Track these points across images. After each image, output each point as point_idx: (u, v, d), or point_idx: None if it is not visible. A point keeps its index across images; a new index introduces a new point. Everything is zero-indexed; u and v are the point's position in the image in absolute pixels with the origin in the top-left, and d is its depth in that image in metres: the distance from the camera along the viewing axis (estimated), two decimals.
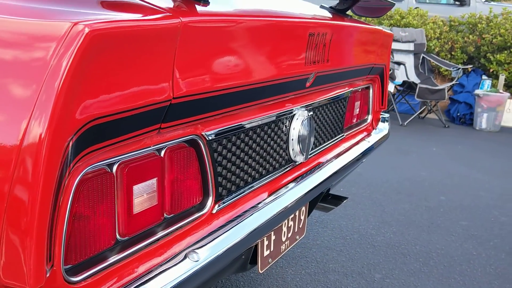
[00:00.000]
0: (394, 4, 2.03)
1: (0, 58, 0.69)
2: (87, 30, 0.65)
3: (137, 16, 0.78)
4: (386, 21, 7.54)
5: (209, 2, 0.99)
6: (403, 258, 2.51)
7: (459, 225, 2.98)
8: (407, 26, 7.30)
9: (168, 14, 0.83)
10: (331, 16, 1.66)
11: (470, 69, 6.81)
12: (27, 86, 0.66)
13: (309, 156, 1.53)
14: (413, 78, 6.40)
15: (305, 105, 1.48)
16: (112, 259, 0.84)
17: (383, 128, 2.24)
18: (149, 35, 0.77)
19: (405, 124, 5.90)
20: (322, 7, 1.78)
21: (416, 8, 8.10)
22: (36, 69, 0.66)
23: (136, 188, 0.88)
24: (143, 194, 0.90)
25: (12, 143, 0.66)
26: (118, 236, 0.87)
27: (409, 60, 6.59)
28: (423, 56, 6.76)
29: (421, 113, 6.40)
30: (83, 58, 0.66)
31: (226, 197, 1.14)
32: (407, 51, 6.69)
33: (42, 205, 0.67)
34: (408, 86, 6.13)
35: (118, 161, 0.84)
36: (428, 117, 6.54)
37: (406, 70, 6.14)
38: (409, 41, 6.71)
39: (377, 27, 1.96)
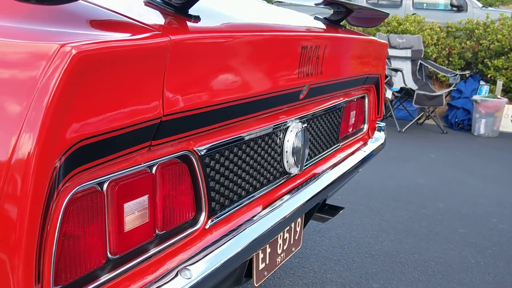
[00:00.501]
0: (388, 14, 2.04)
1: None
2: (74, 51, 0.65)
3: (126, 35, 0.78)
4: (383, 28, 7.56)
5: (200, 18, 0.99)
6: (401, 267, 2.50)
7: (457, 232, 2.97)
8: (405, 32, 7.32)
9: (157, 32, 0.83)
10: (324, 27, 1.66)
11: (467, 75, 6.83)
12: (16, 104, 0.66)
13: (304, 168, 1.53)
14: (411, 84, 6.41)
15: (299, 117, 1.48)
16: (103, 278, 0.84)
17: (379, 137, 2.24)
18: (137, 54, 0.77)
19: (403, 130, 5.90)
20: (316, 18, 1.79)
21: (413, 14, 8.13)
22: (25, 89, 0.66)
23: (127, 206, 0.88)
24: (134, 212, 0.90)
25: (1, 159, 0.66)
26: (109, 255, 0.86)
27: (407, 66, 6.60)
28: (420, 63, 6.77)
29: (419, 119, 6.41)
30: (71, 78, 0.66)
31: (220, 212, 1.14)
32: (405, 58, 6.70)
33: (30, 223, 0.67)
34: (405, 93, 6.14)
35: (108, 179, 0.84)
36: (426, 123, 6.55)
37: (403, 77, 6.15)
38: (406, 48, 6.73)
39: (371, 37, 1.96)
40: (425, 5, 9.58)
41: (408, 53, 6.73)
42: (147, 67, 0.80)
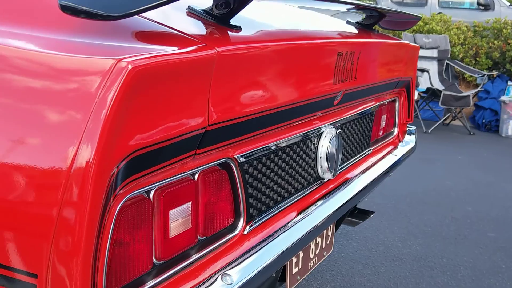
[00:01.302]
0: (421, 17, 2.03)
1: (52, 89, 0.72)
2: (130, 66, 0.68)
3: (174, 48, 0.80)
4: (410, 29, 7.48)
5: (241, 28, 1.01)
6: (430, 271, 2.48)
7: (486, 236, 2.94)
8: (431, 32, 7.24)
9: (203, 44, 0.84)
10: (358, 33, 1.66)
11: (495, 75, 6.71)
12: (76, 116, 0.69)
13: (337, 173, 1.53)
14: (437, 85, 6.33)
15: (333, 122, 1.49)
16: (149, 284, 0.86)
17: (409, 140, 2.23)
18: (186, 67, 0.79)
19: (429, 131, 5.84)
20: (348, 22, 1.79)
21: (439, 13, 8.02)
22: (84, 102, 0.69)
23: (172, 212, 0.90)
24: (179, 218, 0.92)
25: (61, 168, 0.69)
26: (155, 260, 0.89)
27: (433, 66, 6.53)
28: (447, 63, 6.69)
29: (445, 120, 6.33)
30: (126, 92, 0.69)
31: (257, 218, 1.16)
32: (431, 58, 6.62)
33: (88, 229, 0.70)
34: (432, 93, 6.07)
35: (155, 187, 0.86)
36: (452, 124, 6.47)
37: (430, 77, 6.08)
38: (432, 48, 6.65)
39: (403, 41, 1.95)
40: (450, 3, 9.45)
41: (434, 53, 6.65)
42: (194, 78, 0.82)
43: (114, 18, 0.73)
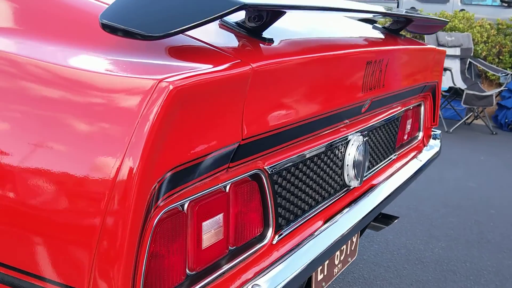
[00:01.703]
0: (448, 22, 2.01)
1: (98, 106, 0.74)
2: (171, 87, 0.70)
3: (211, 65, 0.81)
4: None
5: (273, 40, 1.02)
6: (452, 275, 2.47)
7: (510, 240, 2.90)
8: (453, 30, 7.14)
9: (238, 61, 0.85)
10: (386, 39, 1.65)
11: None
12: (120, 132, 0.72)
13: (363, 180, 1.53)
14: (460, 83, 6.25)
15: (360, 130, 1.48)
16: None
17: (434, 145, 2.21)
18: (222, 84, 0.80)
19: (451, 131, 5.77)
20: (375, 27, 1.78)
21: (461, 10, 7.90)
22: (129, 118, 0.71)
23: (205, 224, 0.92)
24: (211, 230, 0.94)
25: (106, 179, 0.72)
26: (188, 271, 0.91)
27: (455, 65, 6.44)
28: (469, 61, 6.59)
29: (467, 119, 6.25)
30: (167, 111, 0.71)
31: (285, 227, 1.17)
32: (453, 56, 6.53)
33: (130, 241, 0.72)
34: (454, 92, 6.00)
35: (189, 200, 0.88)
36: (474, 123, 6.38)
37: (452, 76, 6.00)
38: (455, 46, 6.56)
39: (430, 45, 1.94)
40: (473, 1, 9.30)
41: (457, 51, 6.56)
42: (229, 94, 0.83)
43: (153, 38, 0.75)
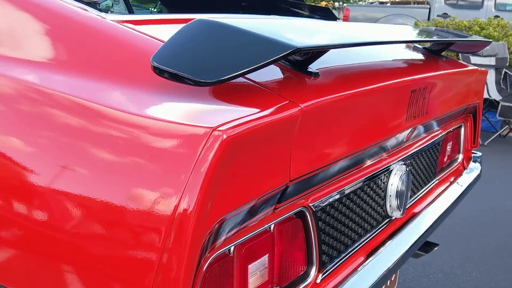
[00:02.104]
0: (491, 41, 1.95)
1: (156, 149, 0.74)
2: (224, 136, 0.68)
3: (260, 109, 0.79)
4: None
5: (319, 74, 0.99)
6: None
7: None
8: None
9: (287, 101, 0.83)
10: (428, 62, 1.61)
11: None
12: (178, 174, 0.71)
13: (405, 210, 1.48)
14: (495, 95, 6.09)
15: (402, 159, 1.44)
16: None
17: (474, 167, 2.14)
18: (272, 128, 0.78)
19: (486, 144, 5.62)
20: (416, 49, 1.73)
21: (496, 17, 7.71)
22: (185, 163, 0.70)
23: (251, 267, 0.90)
24: (257, 272, 0.91)
25: (163, 217, 0.71)
26: None
27: (490, 76, 6.28)
28: (505, 71, 6.42)
29: (502, 131, 6.08)
30: (221, 158, 0.70)
31: (329, 265, 1.13)
32: (488, 66, 6.37)
33: (184, 281, 0.70)
34: (489, 103, 5.85)
35: (236, 244, 0.85)
36: (510, 135, 6.20)
37: (487, 87, 5.85)
38: (490, 55, 6.40)
39: (473, 67, 1.88)
40: (507, 6, 9.09)
41: (492, 61, 6.39)
42: (279, 137, 0.81)
43: (205, 85, 0.73)
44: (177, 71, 0.74)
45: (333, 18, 1.95)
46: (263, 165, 0.79)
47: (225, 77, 0.73)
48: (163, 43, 0.84)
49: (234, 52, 0.77)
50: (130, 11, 2.03)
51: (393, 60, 1.45)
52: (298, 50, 0.75)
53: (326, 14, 1.93)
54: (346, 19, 9.13)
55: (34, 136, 0.85)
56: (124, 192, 0.75)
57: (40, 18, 1.03)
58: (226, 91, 0.83)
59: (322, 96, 0.91)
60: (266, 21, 0.98)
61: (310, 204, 1.04)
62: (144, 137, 0.74)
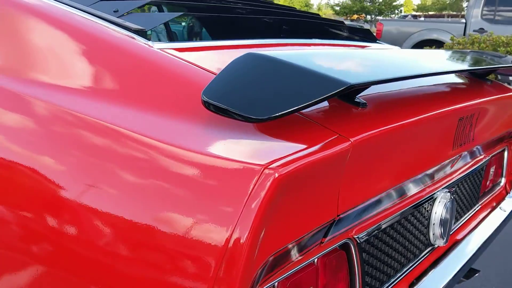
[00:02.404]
0: None
1: (209, 183, 0.74)
2: (276, 175, 0.68)
3: (310, 144, 0.78)
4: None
5: (366, 105, 0.98)
6: None
7: None
8: None
9: (336, 136, 0.82)
10: (474, 86, 1.57)
11: None
12: (230, 208, 0.70)
13: (448, 237, 1.45)
14: None
15: (446, 186, 1.41)
16: None
17: None
18: (323, 164, 0.77)
19: None
20: (459, 73, 1.70)
21: None
22: (238, 198, 0.70)
23: None
24: None
25: (215, 248, 0.71)
26: None
27: None
28: None
29: None
30: (273, 195, 0.69)
31: None
32: None
33: None
34: None
35: (281, 278, 0.84)
36: None
37: None
38: None
39: None
40: None
41: None
42: (328, 173, 0.80)
43: (256, 121, 0.73)
44: (228, 107, 0.74)
45: (373, 38, 1.93)
46: (312, 200, 0.78)
47: (277, 114, 0.72)
48: (208, 72, 0.84)
49: (285, 88, 0.76)
50: (171, 36, 2.05)
51: (439, 85, 1.42)
52: (352, 87, 0.74)
53: (366, 35, 1.91)
54: (379, 33, 9.05)
55: (88, 169, 0.85)
56: (174, 222, 0.75)
57: (87, 46, 1.05)
58: (274, 124, 0.83)
59: (372, 128, 0.90)
60: (316, 52, 0.97)
61: (355, 236, 1.02)
62: (195, 171, 0.74)
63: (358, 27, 1.94)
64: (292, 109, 0.73)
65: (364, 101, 0.98)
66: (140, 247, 0.78)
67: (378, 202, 1.01)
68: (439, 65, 1.22)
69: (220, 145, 0.78)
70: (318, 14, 2.05)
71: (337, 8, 36.16)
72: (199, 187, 0.73)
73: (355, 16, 35.59)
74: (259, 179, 0.68)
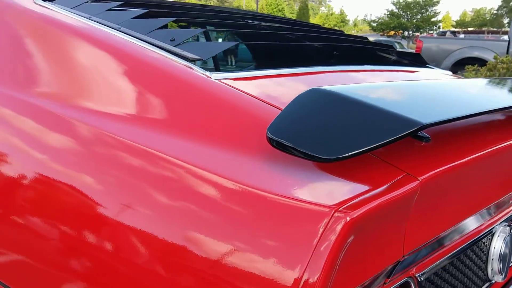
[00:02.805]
0: None
1: (276, 223, 0.72)
2: (348, 218, 0.66)
3: (378, 184, 0.76)
4: None
5: (430, 139, 0.95)
6: None
7: None
8: None
9: (404, 174, 0.80)
10: None
11: None
12: (299, 249, 0.69)
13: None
14: None
15: (505, 219, 1.35)
16: None
17: None
18: (392, 205, 0.75)
19: None
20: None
21: None
22: (307, 239, 0.68)
23: None
24: None
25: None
26: None
27: None
28: None
29: None
30: (343, 240, 0.68)
31: None
32: None
33: None
34: None
35: None
36: None
37: None
38: None
39: None
40: None
41: None
42: (396, 213, 0.78)
43: (324, 161, 0.71)
44: (295, 145, 0.73)
45: (423, 62, 1.90)
46: (379, 242, 0.76)
47: (346, 155, 0.71)
48: (268, 105, 0.82)
49: (353, 126, 0.74)
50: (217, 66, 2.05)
51: (499, 111, 1.37)
52: (424, 127, 0.72)
53: (416, 59, 1.88)
54: (418, 50, 8.92)
55: (154, 207, 0.84)
56: (240, 260, 0.74)
57: (146, 75, 1.05)
58: (341, 162, 0.81)
59: (438, 165, 0.87)
60: (380, 85, 0.95)
61: (416, 274, 0.98)
62: (260, 209, 0.73)
63: (408, 51, 1.90)
64: (361, 150, 0.71)
65: (428, 136, 0.95)
66: (209, 284, 0.77)
67: (440, 239, 0.98)
68: (508, 98, 1.17)
69: (286, 183, 0.77)
70: (366, 38, 2.03)
71: (374, 24, 35.91)
72: (266, 226, 0.72)
73: (392, 32, 35.27)
74: (329, 221, 0.66)
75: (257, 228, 0.72)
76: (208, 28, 1.68)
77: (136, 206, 0.85)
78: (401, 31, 34.34)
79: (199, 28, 1.30)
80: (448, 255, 1.09)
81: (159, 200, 0.83)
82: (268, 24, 1.75)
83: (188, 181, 0.80)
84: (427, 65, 1.94)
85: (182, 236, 0.78)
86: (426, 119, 0.74)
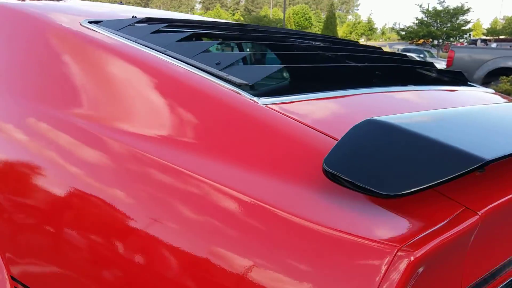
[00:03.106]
0: None
1: (336, 260, 0.71)
2: (412, 258, 0.65)
3: (438, 219, 0.74)
4: None
5: (485, 169, 0.92)
6: None
7: None
8: None
9: (463, 208, 0.77)
10: None
11: None
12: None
13: None
14: None
15: None
16: None
17: None
18: (453, 241, 0.73)
19: None
20: None
21: None
22: (369, 277, 0.67)
23: None
24: None
25: None
26: None
27: None
28: None
29: None
30: (407, 278, 0.66)
31: None
32: None
33: None
34: None
35: None
36: None
37: None
38: None
39: None
40: None
41: None
42: (456, 249, 0.75)
43: (386, 197, 0.70)
44: (354, 180, 0.71)
45: (465, 81, 1.86)
46: (438, 278, 0.74)
47: (408, 191, 0.69)
48: (319, 132, 0.80)
49: (413, 161, 0.73)
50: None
51: None
52: (489, 163, 0.70)
53: (457, 77, 1.84)
54: (450, 60, 8.77)
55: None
56: None
57: (193, 100, 1.05)
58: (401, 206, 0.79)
59: (496, 198, 0.84)
60: (436, 114, 0.93)
61: None
62: (318, 245, 0.72)
63: (449, 70, 1.87)
64: (423, 186, 0.69)
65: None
66: None
67: (496, 271, 0.94)
68: None
69: (345, 218, 0.75)
70: (405, 55, 2.01)
71: (403, 32, 35.52)
72: (327, 263, 0.71)
73: (421, 41, 34.81)
74: (393, 260, 0.65)
75: (318, 265, 0.71)
76: (251, 51, 1.68)
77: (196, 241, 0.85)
78: (430, 40, 33.87)
79: (243, 52, 1.29)
80: (502, 285, 1.06)
81: (218, 235, 0.82)
82: (309, 43, 1.74)
83: (246, 214, 0.79)
84: (469, 83, 1.90)
85: (241, 268, 0.77)
86: (490, 155, 0.71)
